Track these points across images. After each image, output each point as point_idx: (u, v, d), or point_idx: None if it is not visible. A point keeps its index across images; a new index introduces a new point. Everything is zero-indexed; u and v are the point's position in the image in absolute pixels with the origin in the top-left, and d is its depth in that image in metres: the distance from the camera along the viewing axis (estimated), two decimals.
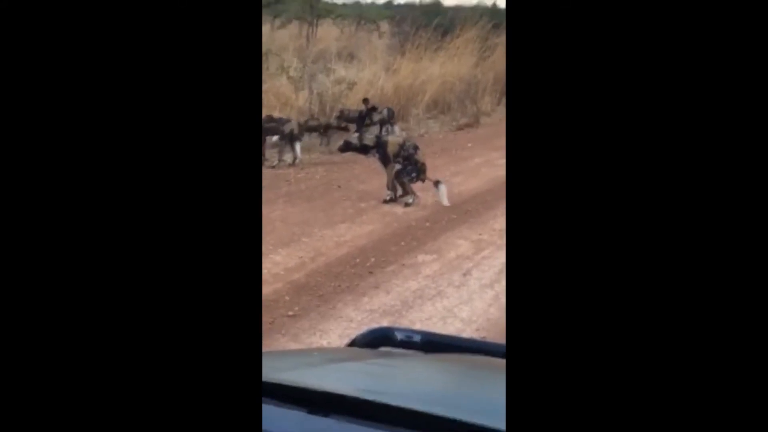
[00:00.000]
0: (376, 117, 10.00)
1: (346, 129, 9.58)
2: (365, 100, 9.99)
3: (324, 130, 9.62)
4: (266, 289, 4.77)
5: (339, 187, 7.86)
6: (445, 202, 7.18)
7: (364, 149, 7.58)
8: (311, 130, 9.63)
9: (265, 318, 4.31)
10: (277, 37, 14.98)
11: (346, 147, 7.75)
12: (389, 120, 10.25)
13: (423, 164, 7.38)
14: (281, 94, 10.50)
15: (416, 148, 7.48)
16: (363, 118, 9.68)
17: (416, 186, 7.33)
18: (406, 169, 7.30)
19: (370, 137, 7.71)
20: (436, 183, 7.26)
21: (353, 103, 10.49)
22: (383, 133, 9.70)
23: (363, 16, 20.20)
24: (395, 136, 7.96)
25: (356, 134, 7.96)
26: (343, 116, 9.71)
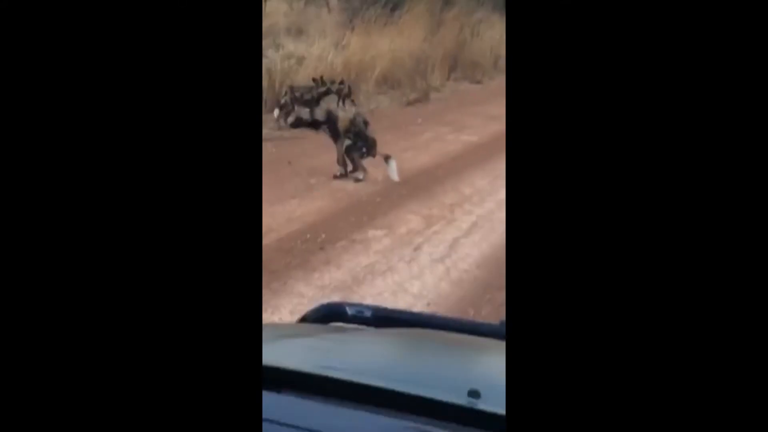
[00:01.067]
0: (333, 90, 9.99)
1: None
2: (314, 79, 9.94)
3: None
4: None
5: (289, 162, 7.82)
6: (395, 177, 7.18)
7: (315, 124, 7.55)
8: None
9: None
10: None
11: (298, 123, 7.70)
12: (348, 95, 10.24)
13: (373, 140, 7.37)
14: None
15: (366, 123, 7.47)
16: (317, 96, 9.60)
17: (366, 162, 7.32)
18: (357, 144, 7.29)
19: (320, 112, 7.66)
20: (387, 158, 7.25)
21: (302, 79, 10.41)
22: (338, 107, 9.68)
23: None
24: (345, 111, 7.91)
25: (307, 109, 7.88)
26: (294, 93, 9.61)
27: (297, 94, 9.31)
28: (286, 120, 8.44)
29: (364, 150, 7.30)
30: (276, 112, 9.15)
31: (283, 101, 9.23)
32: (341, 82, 10.23)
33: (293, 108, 8.77)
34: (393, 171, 7.20)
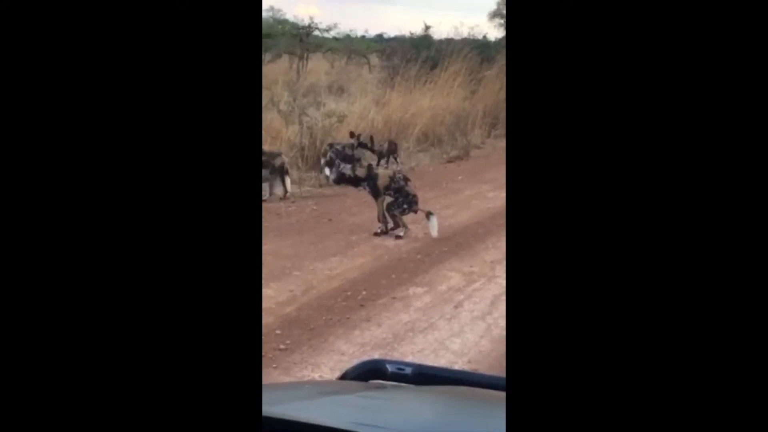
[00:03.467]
0: (376, 149, 10.16)
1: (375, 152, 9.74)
2: (352, 133, 10.07)
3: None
4: None
5: (330, 220, 7.86)
6: (435, 233, 7.17)
7: (355, 181, 7.58)
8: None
9: None
10: (268, 71, 15.04)
11: (340, 178, 7.74)
12: (393, 153, 10.40)
13: (414, 195, 7.38)
14: (272, 128, 10.51)
15: (407, 179, 7.49)
16: (357, 156, 9.71)
17: (407, 219, 7.33)
18: (398, 201, 7.30)
19: (361, 170, 7.71)
20: (428, 214, 7.26)
21: (343, 136, 10.52)
22: (385, 165, 9.81)
23: (353, 50, 20.33)
24: (385, 169, 7.97)
25: (349, 165, 7.95)
26: (335, 148, 9.70)
27: (339, 148, 9.42)
28: (334, 175, 8.52)
29: (405, 206, 7.31)
30: (326, 170, 9.25)
31: (329, 158, 9.34)
32: (389, 141, 10.40)
33: (337, 163, 8.87)
34: (434, 227, 7.20)
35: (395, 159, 10.51)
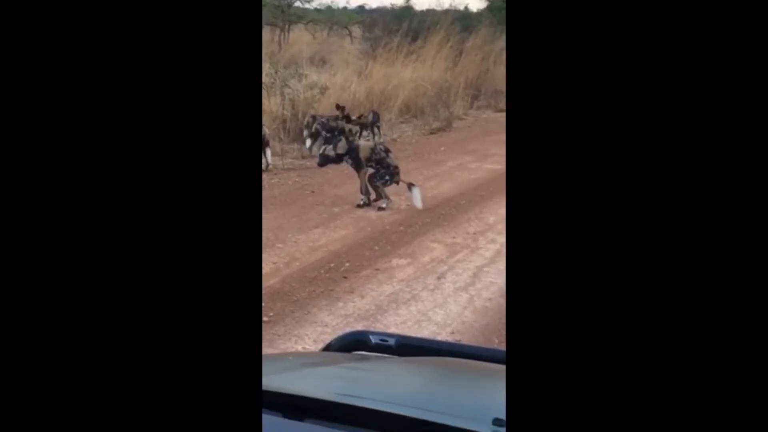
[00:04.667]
0: (361, 121, 10.09)
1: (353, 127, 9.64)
2: (338, 105, 10.00)
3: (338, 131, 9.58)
4: None
5: (312, 192, 7.85)
6: (419, 205, 7.17)
7: (338, 159, 7.56)
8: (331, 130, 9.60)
9: None
10: None
11: (325, 160, 7.69)
12: (376, 123, 10.36)
13: (396, 167, 7.38)
14: None
15: (388, 151, 7.48)
16: (341, 127, 9.65)
17: (390, 190, 7.33)
18: (380, 172, 7.29)
19: (341, 145, 7.67)
20: (410, 186, 7.26)
21: (325, 108, 10.48)
22: (368, 137, 9.78)
23: (335, 21, 20.23)
24: (366, 141, 7.95)
25: (329, 145, 7.89)
26: (321, 121, 9.65)
27: (323, 120, 9.38)
28: (318, 147, 8.46)
29: (387, 178, 7.31)
30: (308, 141, 9.20)
31: (314, 129, 9.29)
32: (364, 114, 10.34)
33: (323, 134, 8.83)
34: (417, 199, 7.20)
35: (378, 130, 10.50)
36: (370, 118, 10.42)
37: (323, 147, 8.13)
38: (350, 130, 9.47)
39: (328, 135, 9.04)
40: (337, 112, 9.66)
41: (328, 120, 9.60)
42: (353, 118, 9.99)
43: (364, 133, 10.18)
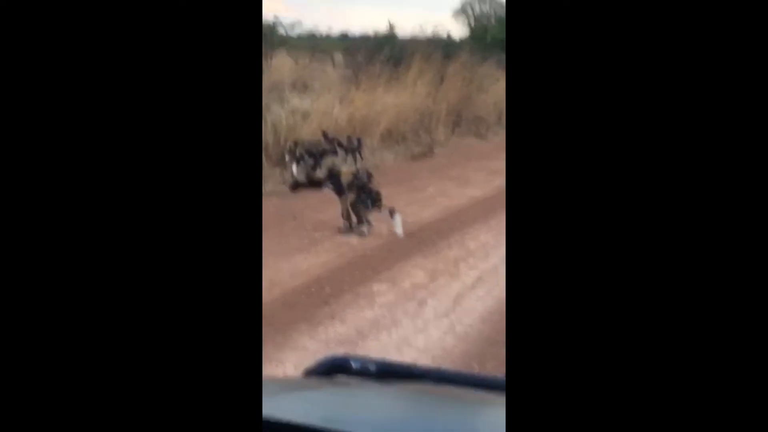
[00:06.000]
0: (345, 146, 10.10)
1: (335, 153, 9.63)
2: (324, 133, 10.04)
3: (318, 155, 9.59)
4: None
5: (294, 217, 7.85)
6: (400, 231, 7.18)
7: (317, 184, 7.55)
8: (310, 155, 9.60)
9: None
10: None
11: (295, 186, 7.67)
12: (358, 149, 10.37)
13: (378, 192, 7.38)
14: None
15: (370, 176, 7.49)
16: (323, 152, 9.66)
17: (371, 216, 7.33)
18: (361, 198, 7.30)
19: (320, 171, 7.68)
20: (391, 212, 7.27)
21: (307, 134, 10.49)
22: (349, 163, 9.79)
23: (317, 47, 20.28)
24: (348, 166, 7.96)
25: (301, 170, 7.86)
26: (299, 147, 9.66)
27: (307, 146, 9.40)
28: (301, 175, 8.46)
29: (368, 203, 7.31)
30: (293, 167, 9.21)
31: (298, 154, 9.30)
32: (349, 139, 10.36)
33: (305, 160, 8.84)
34: (398, 225, 7.20)
35: (360, 156, 10.52)
36: (355, 143, 10.45)
37: (296, 171, 8.13)
38: (332, 156, 9.49)
39: (311, 161, 9.06)
40: (322, 139, 9.71)
41: (311, 145, 9.62)
42: (337, 143, 10.02)
43: (348, 158, 10.20)
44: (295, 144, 9.70)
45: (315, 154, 9.36)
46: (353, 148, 10.40)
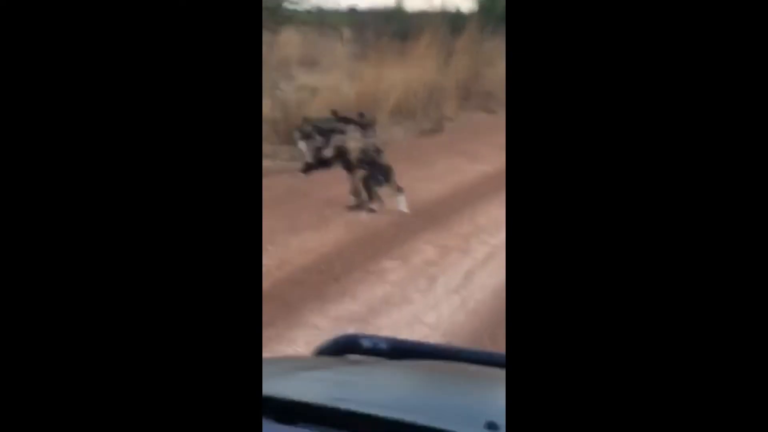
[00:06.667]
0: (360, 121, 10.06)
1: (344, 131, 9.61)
2: (333, 112, 9.98)
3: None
4: None
5: (303, 194, 7.84)
6: (404, 209, 7.16)
7: (326, 163, 7.53)
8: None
9: None
10: None
11: (307, 168, 7.64)
12: (371, 125, 10.32)
13: (389, 166, 7.34)
14: None
15: (379, 151, 7.46)
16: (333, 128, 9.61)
17: (381, 192, 7.31)
18: (373, 174, 7.27)
19: (328, 150, 7.64)
20: (399, 189, 7.25)
21: (316, 110, 10.46)
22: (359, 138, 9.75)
23: (325, 23, 20.20)
24: (356, 142, 7.91)
25: (313, 150, 7.83)
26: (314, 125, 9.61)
27: (317, 123, 9.35)
28: (310, 150, 8.43)
29: (381, 178, 7.28)
30: (301, 144, 9.16)
31: (308, 132, 9.25)
32: (361, 114, 10.30)
33: (315, 138, 8.80)
34: (402, 203, 7.18)
35: (373, 132, 10.45)
36: (367, 119, 10.38)
37: (305, 149, 8.10)
38: (341, 134, 9.46)
39: (321, 139, 9.03)
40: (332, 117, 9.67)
41: (321, 123, 9.57)
42: (351, 118, 9.97)
43: (357, 134, 10.14)
44: (305, 122, 9.65)
45: (325, 132, 9.33)
46: (365, 124, 10.33)
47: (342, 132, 9.08)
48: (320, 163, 7.53)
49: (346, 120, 9.68)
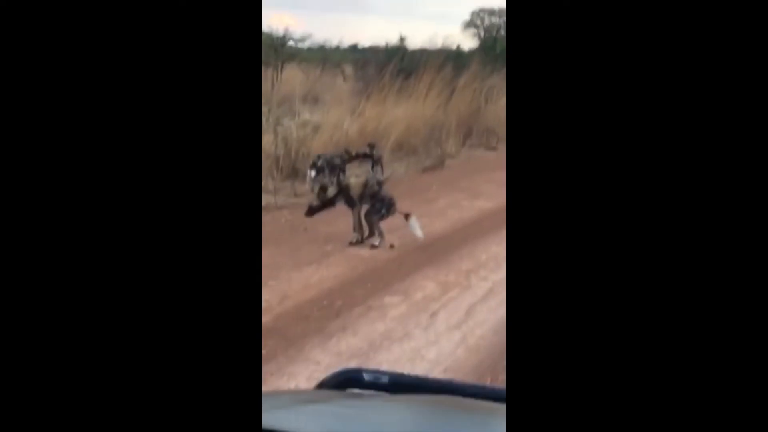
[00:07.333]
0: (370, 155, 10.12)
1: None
2: (347, 151, 10.03)
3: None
4: None
5: (305, 229, 7.85)
6: (419, 233, 7.18)
7: (330, 203, 7.53)
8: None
9: None
10: None
11: (311, 211, 7.63)
12: (379, 161, 10.38)
13: (390, 198, 7.38)
14: None
15: (380, 183, 7.50)
16: (337, 166, 9.64)
17: (383, 227, 7.32)
18: (375, 206, 7.30)
19: (331, 189, 7.66)
20: (407, 216, 7.26)
21: (318, 146, 10.50)
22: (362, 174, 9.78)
23: (327, 60, 20.32)
24: (357, 178, 7.94)
25: (316, 193, 7.84)
26: (321, 159, 9.65)
27: (328, 158, 9.38)
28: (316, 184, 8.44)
29: (383, 211, 7.30)
30: (312, 173, 9.19)
31: (320, 164, 9.28)
32: (371, 146, 10.34)
33: (325, 173, 8.82)
34: (416, 228, 7.21)
35: (381, 167, 10.48)
36: (376, 154, 10.42)
37: (317, 183, 8.11)
38: (345, 166, 9.50)
39: (330, 173, 9.07)
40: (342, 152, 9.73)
41: (332, 158, 9.61)
42: (363, 153, 10.02)
43: (358, 171, 10.16)
44: (318, 157, 9.69)
45: (335, 166, 9.37)
46: (376, 159, 10.37)
47: (344, 170, 9.14)
48: (324, 204, 7.53)
49: (358, 156, 9.74)
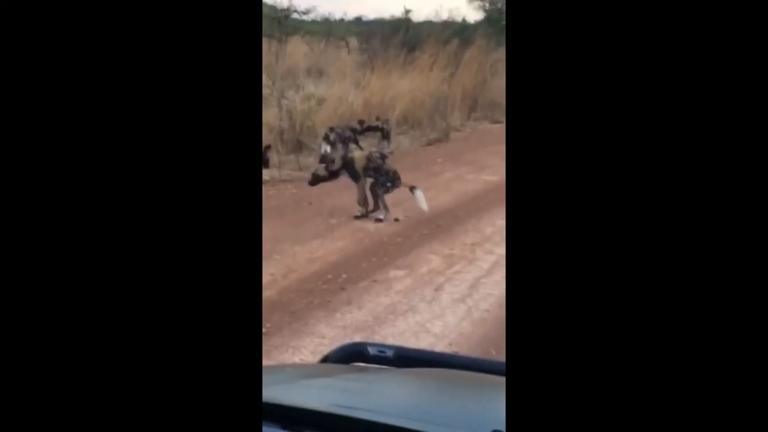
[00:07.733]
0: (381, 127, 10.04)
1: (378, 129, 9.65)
2: (360, 122, 9.95)
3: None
4: None
5: (310, 203, 7.85)
6: (424, 206, 7.18)
7: (334, 175, 7.53)
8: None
9: None
10: None
11: (315, 180, 7.64)
12: (388, 135, 10.32)
13: (395, 171, 7.36)
14: None
15: (384, 156, 7.48)
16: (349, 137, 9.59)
17: (388, 201, 7.31)
18: (380, 180, 7.28)
19: (337, 161, 7.64)
20: (412, 189, 7.26)
21: (322, 119, 10.47)
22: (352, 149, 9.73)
23: (332, 33, 20.22)
24: (360, 151, 7.91)
25: (322, 165, 7.84)
26: (333, 132, 9.61)
27: (339, 131, 9.33)
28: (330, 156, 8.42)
29: (388, 184, 7.29)
30: (326, 147, 9.15)
31: (331, 139, 9.25)
32: (379, 118, 10.26)
33: (337, 146, 8.79)
34: (421, 200, 7.20)
35: (388, 140, 10.42)
36: (387, 126, 10.34)
37: (326, 154, 8.11)
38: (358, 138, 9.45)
39: (343, 145, 9.03)
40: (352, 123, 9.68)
41: (343, 130, 9.57)
42: (374, 124, 9.95)
43: (368, 144, 10.11)
44: (331, 129, 9.64)
45: (347, 139, 9.33)
46: (387, 131, 10.29)
47: (356, 142, 9.09)
48: (330, 174, 7.53)
49: (370, 128, 9.68)
